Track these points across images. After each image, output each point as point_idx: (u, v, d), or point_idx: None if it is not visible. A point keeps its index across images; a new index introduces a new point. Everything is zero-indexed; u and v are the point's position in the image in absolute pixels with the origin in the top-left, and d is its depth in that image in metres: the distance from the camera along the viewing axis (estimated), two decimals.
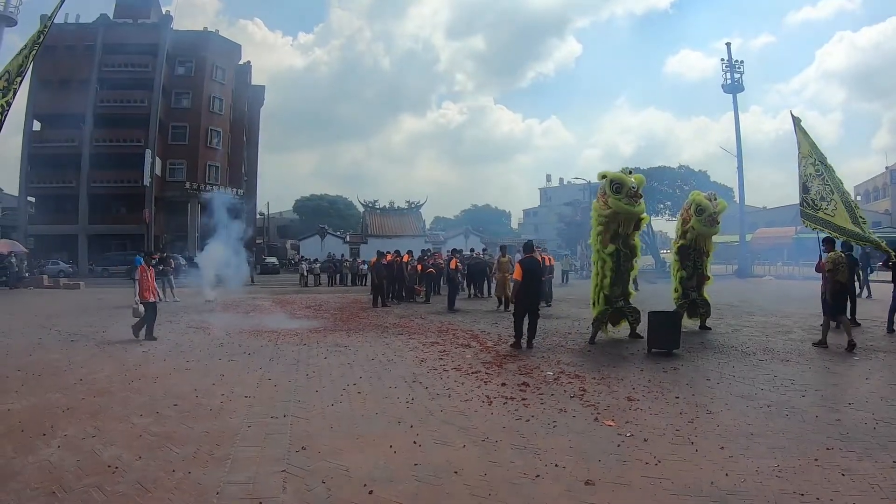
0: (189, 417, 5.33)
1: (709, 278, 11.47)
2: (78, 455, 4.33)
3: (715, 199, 10.89)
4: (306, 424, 5.16)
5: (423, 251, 20.01)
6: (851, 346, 8.64)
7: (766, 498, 3.62)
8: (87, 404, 5.79)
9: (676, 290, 11.39)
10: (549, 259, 18.06)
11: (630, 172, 9.81)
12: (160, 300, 17.13)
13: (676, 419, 5.28)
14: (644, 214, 9.87)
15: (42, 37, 8.30)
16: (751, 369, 7.52)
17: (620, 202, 9.29)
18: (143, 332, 9.94)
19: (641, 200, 9.57)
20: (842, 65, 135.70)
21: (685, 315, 10.78)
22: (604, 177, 9.61)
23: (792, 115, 10.89)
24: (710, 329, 10.90)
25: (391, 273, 17.73)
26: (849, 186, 10.67)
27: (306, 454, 4.38)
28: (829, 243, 9.55)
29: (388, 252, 18.33)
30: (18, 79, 7.92)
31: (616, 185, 9.32)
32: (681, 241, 11.26)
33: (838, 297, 9.17)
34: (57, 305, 16.92)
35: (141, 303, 9.80)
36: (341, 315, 14.35)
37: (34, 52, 8.11)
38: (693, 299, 11.13)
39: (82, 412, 5.50)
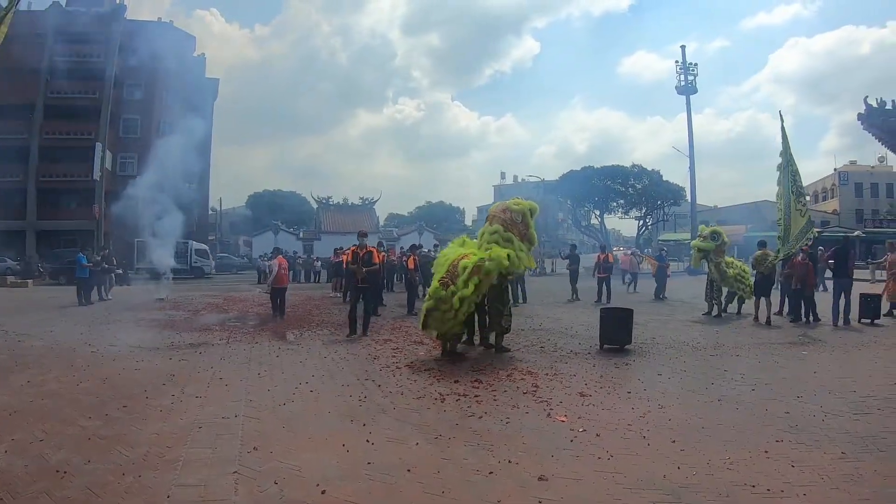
0: (139, 419, 5.19)
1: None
2: (26, 459, 4.19)
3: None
4: (258, 424, 5.09)
5: (378, 243, 18.28)
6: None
7: (717, 490, 3.70)
8: (36, 407, 5.60)
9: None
10: None
11: None
12: (104, 299, 16.82)
13: (628, 414, 5.39)
14: None
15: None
16: (701, 364, 7.75)
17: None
18: None
19: None
20: (793, 70, 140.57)
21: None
22: None
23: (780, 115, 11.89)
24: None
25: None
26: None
27: (258, 454, 4.32)
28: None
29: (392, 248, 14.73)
30: None
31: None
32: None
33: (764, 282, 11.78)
34: (3, 304, 16.28)
35: None
36: (293, 312, 14.19)
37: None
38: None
39: (30, 415, 5.31)
